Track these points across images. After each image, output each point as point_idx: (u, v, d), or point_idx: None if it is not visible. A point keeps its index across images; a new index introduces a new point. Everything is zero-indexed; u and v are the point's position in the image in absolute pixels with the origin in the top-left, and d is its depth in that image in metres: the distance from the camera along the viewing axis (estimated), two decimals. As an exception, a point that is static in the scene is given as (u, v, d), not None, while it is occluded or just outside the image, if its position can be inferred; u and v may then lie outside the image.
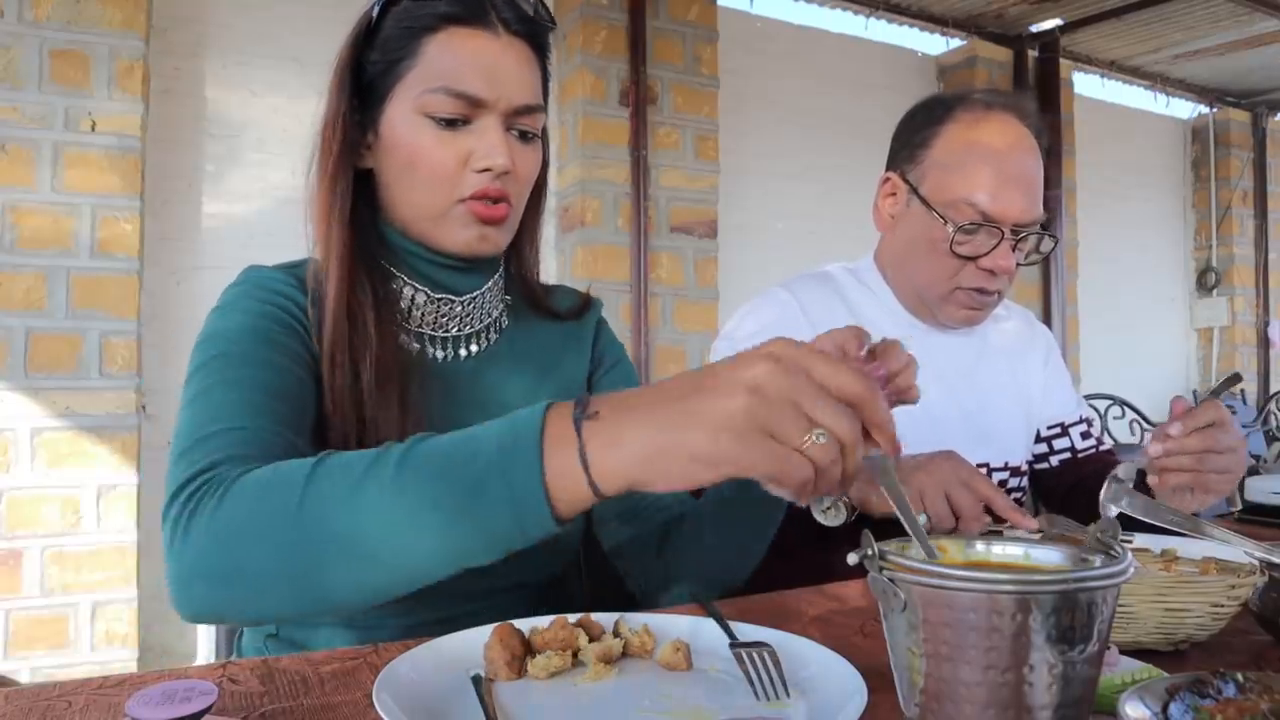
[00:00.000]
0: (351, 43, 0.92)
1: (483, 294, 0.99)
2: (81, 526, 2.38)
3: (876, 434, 0.56)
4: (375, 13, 0.90)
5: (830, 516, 1.06)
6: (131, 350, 2.45)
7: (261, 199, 2.79)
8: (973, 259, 1.23)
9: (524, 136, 0.92)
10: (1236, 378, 1.11)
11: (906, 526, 0.56)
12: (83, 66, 2.41)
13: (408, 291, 0.95)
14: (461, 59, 0.87)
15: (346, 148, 0.91)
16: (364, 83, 0.91)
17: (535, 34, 0.93)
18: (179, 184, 2.69)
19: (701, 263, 3.42)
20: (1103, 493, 0.89)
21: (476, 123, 0.89)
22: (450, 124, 0.88)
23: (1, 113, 2.34)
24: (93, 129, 2.42)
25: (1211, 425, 1.03)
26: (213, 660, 1.06)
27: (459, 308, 0.97)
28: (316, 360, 0.88)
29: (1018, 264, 1.25)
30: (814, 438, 0.52)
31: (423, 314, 0.96)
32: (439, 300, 0.95)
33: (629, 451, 0.55)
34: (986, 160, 1.22)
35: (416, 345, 0.96)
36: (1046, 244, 1.29)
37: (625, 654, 0.73)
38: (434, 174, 0.89)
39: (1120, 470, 1.03)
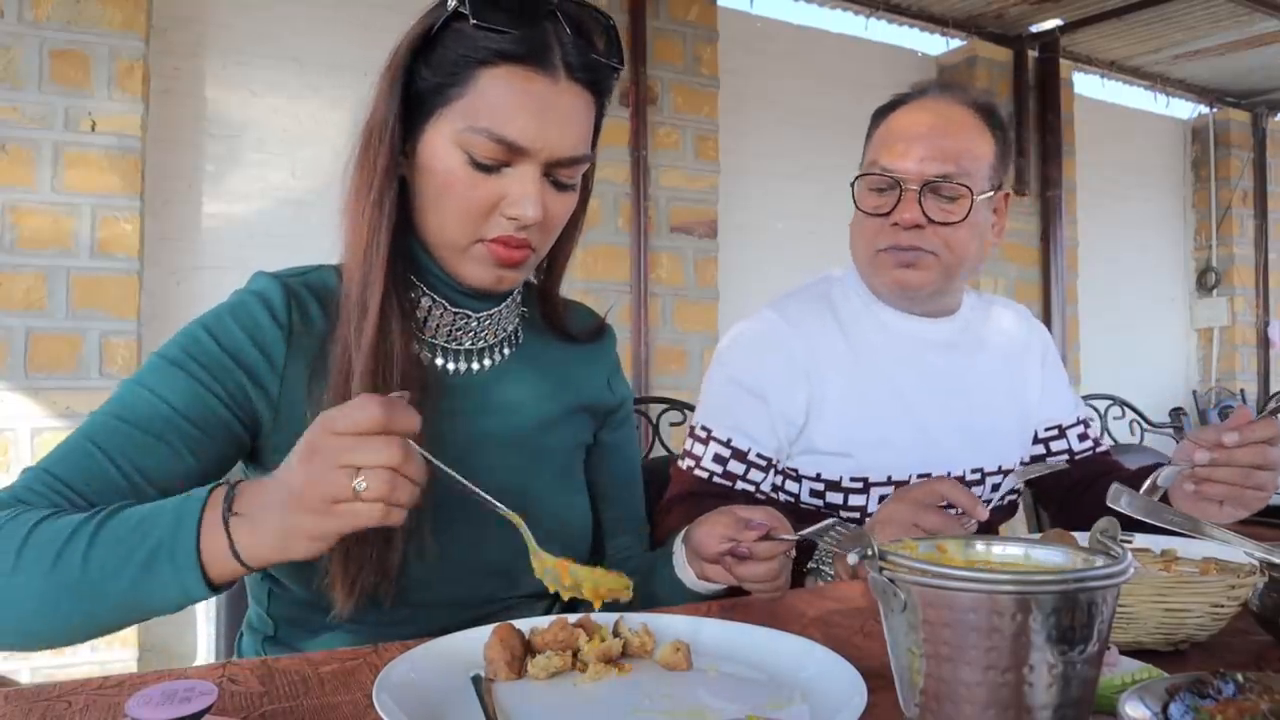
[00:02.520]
0: (406, 49, 0.87)
1: (500, 311, 0.98)
2: (81, 526, 2.37)
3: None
4: (436, 25, 0.86)
5: (820, 576, 1.08)
6: (131, 350, 2.45)
7: (261, 199, 2.79)
8: (882, 216, 1.28)
9: (560, 184, 0.89)
10: None
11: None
12: (83, 66, 2.41)
13: (425, 302, 0.94)
14: (511, 102, 0.84)
15: (392, 162, 0.88)
16: (412, 92, 0.88)
17: (598, 79, 0.89)
18: (179, 184, 2.68)
19: (701, 263, 3.42)
20: (1109, 494, 0.88)
21: (515, 168, 0.86)
22: (487, 168, 0.85)
23: (1, 113, 2.34)
24: (93, 129, 2.42)
25: (1266, 441, 1.03)
26: (213, 660, 1.06)
27: (475, 322, 0.96)
28: (256, 411, 0.87)
29: (937, 221, 1.24)
30: (358, 485, 0.64)
31: (438, 325, 0.95)
32: (456, 314, 0.95)
33: (264, 540, 0.69)
34: (891, 126, 1.30)
35: (429, 355, 0.95)
36: (959, 199, 1.24)
37: (625, 654, 0.73)
38: (462, 212, 0.87)
39: (1161, 476, 1.03)
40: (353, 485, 0.64)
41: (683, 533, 0.95)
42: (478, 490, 0.72)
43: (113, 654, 2.40)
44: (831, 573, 1.07)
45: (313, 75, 2.85)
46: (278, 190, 2.80)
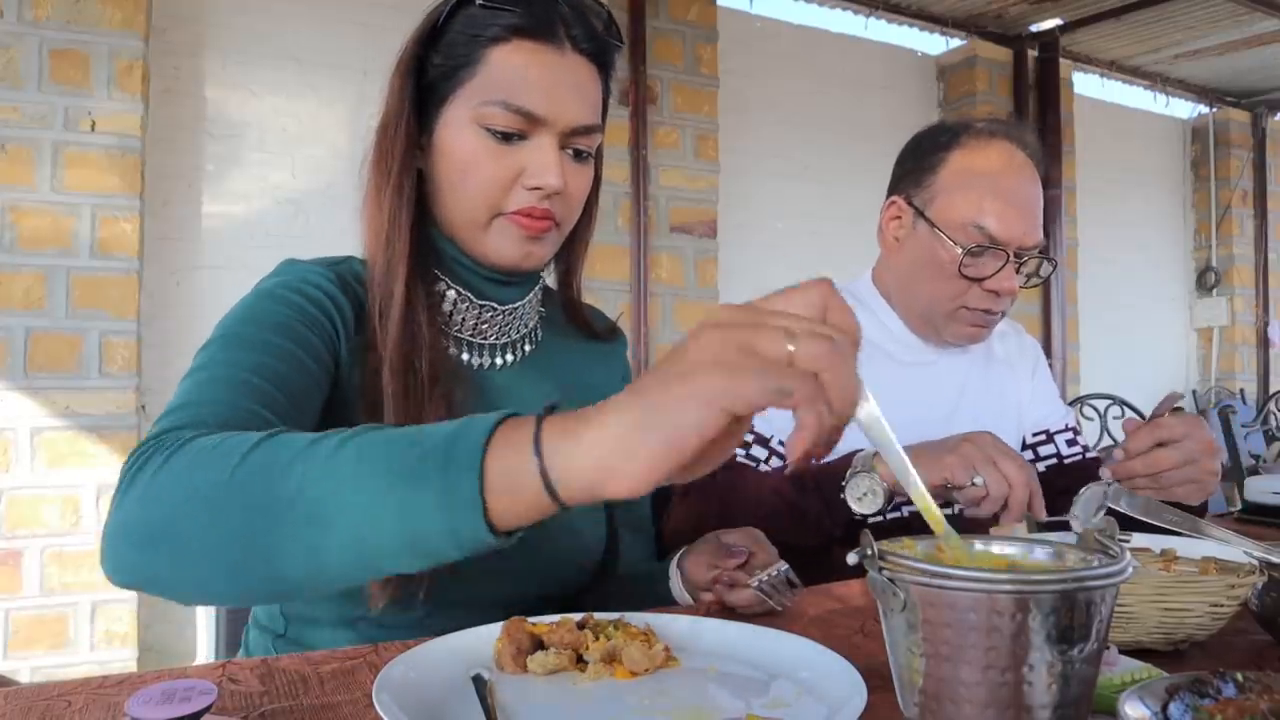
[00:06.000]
0: (415, 42, 0.89)
1: (523, 304, 0.99)
2: (81, 526, 2.38)
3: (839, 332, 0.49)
4: (443, 14, 0.88)
5: (866, 503, 1.07)
6: (131, 350, 2.45)
7: (261, 199, 2.79)
8: (978, 280, 1.26)
9: (578, 155, 0.91)
10: (1175, 396, 1.13)
11: (910, 491, 0.52)
12: (83, 66, 2.42)
13: (451, 295, 0.94)
14: (524, 73, 0.86)
15: (409, 151, 0.89)
16: (423, 83, 0.90)
17: (602, 52, 0.92)
18: (179, 184, 2.69)
19: (701, 263, 3.42)
20: (1109, 494, 0.89)
21: (532, 139, 0.87)
22: (506, 138, 0.87)
23: (1, 113, 2.34)
24: (93, 129, 2.42)
25: (1159, 445, 1.04)
26: (213, 660, 1.06)
27: (500, 316, 0.97)
28: (337, 359, 0.87)
29: (1019, 287, 1.29)
30: (792, 344, 0.46)
31: (463, 319, 0.95)
32: (481, 306, 0.95)
33: (602, 437, 0.47)
34: (993, 185, 1.26)
35: (455, 350, 0.95)
36: (1045, 268, 1.33)
37: (625, 654, 0.73)
38: (484, 186, 0.88)
39: (1082, 501, 1.04)
40: (791, 344, 0.46)
41: (675, 557, 0.96)
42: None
43: (112, 653, 2.40)
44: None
45: (313, 75, 2.85)
46: (278, 190, 2.80)
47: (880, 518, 1.27)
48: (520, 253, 0.91)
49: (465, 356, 0.96)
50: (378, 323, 0.88)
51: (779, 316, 0.47)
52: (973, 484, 1.03)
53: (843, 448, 1.34)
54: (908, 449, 1.10)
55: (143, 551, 0.59)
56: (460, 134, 0.88)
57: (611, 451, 0.46)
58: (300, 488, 0.54)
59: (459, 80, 0.88)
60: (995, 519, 1.05)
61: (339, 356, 0.87)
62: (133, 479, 0.61)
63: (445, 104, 0.89)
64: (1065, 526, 1.09)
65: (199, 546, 0.57)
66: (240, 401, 0.73)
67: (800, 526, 1.13)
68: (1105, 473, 1.08)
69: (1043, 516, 1.03)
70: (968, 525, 1.24)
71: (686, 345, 0.48)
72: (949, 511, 1.23)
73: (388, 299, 0.87)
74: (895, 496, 1.09)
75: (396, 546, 0.52)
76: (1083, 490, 1.01)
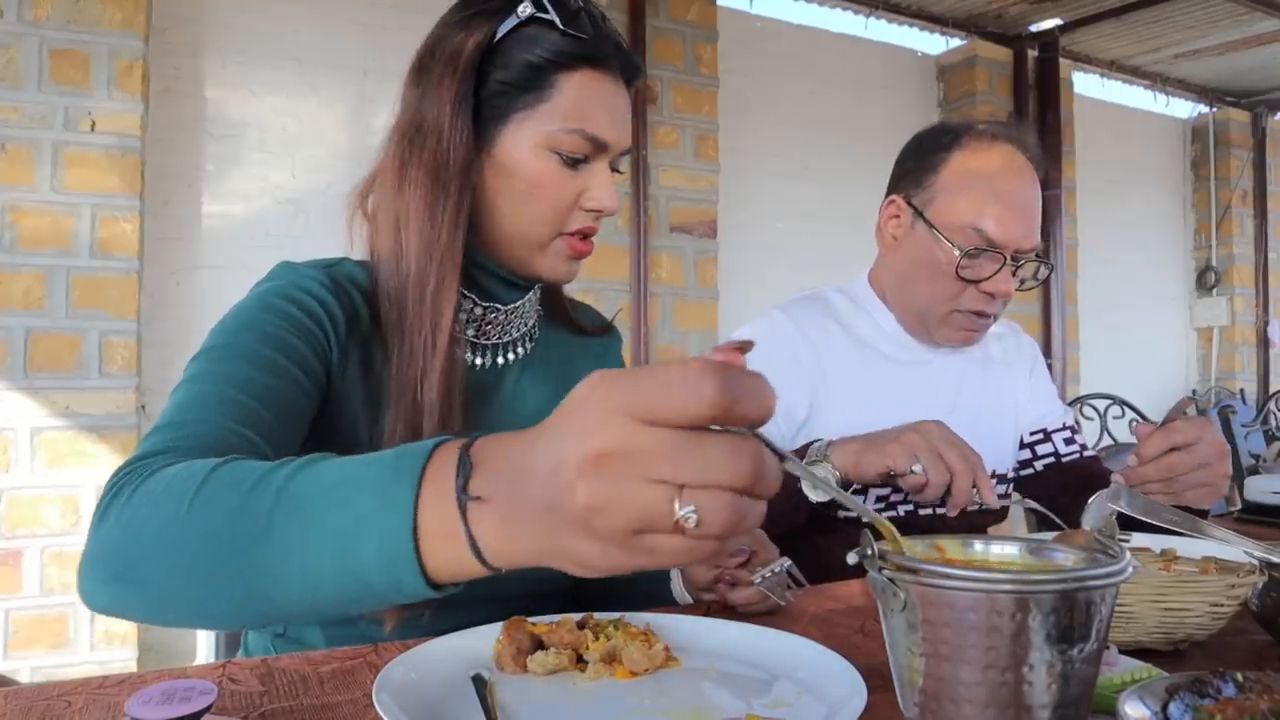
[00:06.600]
0: (474, 57, 0.88)
1: (524, 304, 0.99)
2: (81, 526, 2.37)
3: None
4: (503, 31, 0.88)
5: (821, 492, 1.10)
6: (131, 350, 2.45)
7: (261, 199, 2.79)
8: (974, 282, 1.26)
9: (616, 172, 0.96)
10: (1188, 400, 1.13)
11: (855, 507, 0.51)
12: (83, 66, 2.41)
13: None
14: (595, 102, 0.89)
15: (469, 163, 0.89)
16: (478, 95, 0.89)
17: (633, 77, 0.96)
18: (179, 184, 2.69)
19: (701, 262, 3.42)
20: (1109, 492, 0.89)
21: (591, 164, 0.91)
22: (573, 163, 0.90)
23: (1, 113, 2.34)
24: (92, 129, 2.42)
25: (1173, 450, 1.05)
26: (213, 660, 1.06)
27: (502, 316, 0.98)
28: (329, 366, 0.87)
29: (1015, 289, 1.29)
30: (684, 518, 0.40)
31: (467, 320, 0.96)
32: (485, 307, 0.96)
33: (523, 548, 0.46)
34: (992, 188, 1.26)
35: (458, 351, 0.95)
36: (1042, 271, 1.34)
37: (625, 654, 0.73)
38: (552, 208, 0.90)
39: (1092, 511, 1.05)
40: (675, 514, 0.41)
41: None
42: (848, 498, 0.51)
43: (112, 653, 2.40)
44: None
45: (313, 75, 2.85)
46: (278, 190, 2.80)
47: (850, 511, 1.28)
48: (570, 270, 0.95)
49: (470, 357, 0.97)
50: (417, 341, 0.87)
51: (667, 455, 0.40)
52: (912, 471, 1.04)
53: (798, 440, 1.33)
54: (856, 437, 1.11)
55: (112, 586, 0.60)
56: (530, 156, 0.89)
57: (534, 560, 0.47)
58: (250, 527, 0.53)
59: (526, 103, 0.88)
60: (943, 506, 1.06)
61: (330, 363, 0.87)
62: (105, 509, 0.62)
63: (504, 122, 0.89)
64: (1058, 526, 1.09)
65: (162, 583, 0.57)
66: (226, 422, 0.73)
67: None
68: (1118, 478, 1.08)
69: (992, 503, 1.04)
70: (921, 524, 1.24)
71: (570, 466, 0.42)
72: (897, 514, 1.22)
73: (435, 320, 0.87)
74: (850, 485, 1.13)
75: (346, 594, 0.52)
76: (1092, 500, 1.02)
